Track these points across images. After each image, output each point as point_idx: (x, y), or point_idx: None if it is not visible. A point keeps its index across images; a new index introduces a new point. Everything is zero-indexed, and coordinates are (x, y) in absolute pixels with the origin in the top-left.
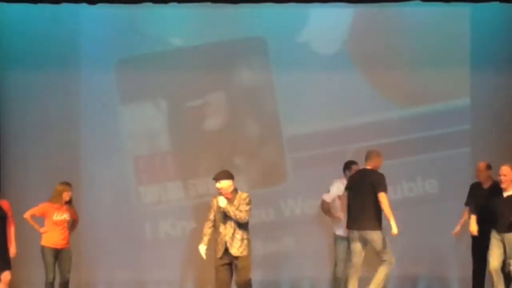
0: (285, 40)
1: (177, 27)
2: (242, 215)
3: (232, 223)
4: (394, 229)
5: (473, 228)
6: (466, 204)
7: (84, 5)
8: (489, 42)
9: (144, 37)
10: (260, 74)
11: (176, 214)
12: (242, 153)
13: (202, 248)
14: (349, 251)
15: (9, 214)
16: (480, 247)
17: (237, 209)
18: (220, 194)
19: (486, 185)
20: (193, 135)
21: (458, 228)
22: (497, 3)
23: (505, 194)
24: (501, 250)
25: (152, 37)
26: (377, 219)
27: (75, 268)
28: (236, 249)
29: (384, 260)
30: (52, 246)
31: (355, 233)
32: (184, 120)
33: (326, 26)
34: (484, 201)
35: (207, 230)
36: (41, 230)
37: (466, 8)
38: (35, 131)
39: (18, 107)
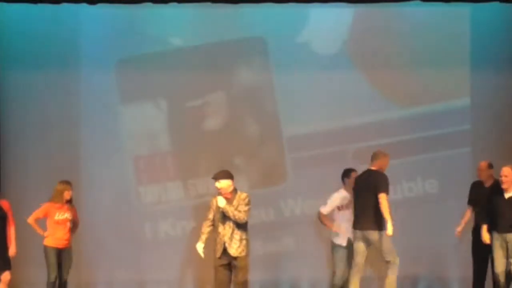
0: (285, 40)
1: (177, 27)
2: (240, 216)
3: (231, 223)
4: (389, 231)
5: (486, 237)
6: (469, 203)
7: (84, 5)
8: (489, 42)
9: (144, 37)
10: (260, 74)
11: (176, 214)
12: (242, 153)
13: (200, 246)
14: (348, 260)
15: (9, 214)
16: (480, 247)
17: (236, 209)
18: (220, 193)
19: (488, 184)
20: (193, 135)
21: (461, 227)
22: (497, 3)
23: (507, 195)
24: (505, 251)
25: (152, 37)
26: (379, 219)
27: (75, 268)
28: (234, 250)
29: (388, 261)
30: (55, 246)
31: (358, 233)
32: (184, 120)
33: (326, 26)
34: (486, 199)
35: (206, 229)
36: (45, 234)
37: (466, 8)
38: (35, 131)
39: (18, 107)
